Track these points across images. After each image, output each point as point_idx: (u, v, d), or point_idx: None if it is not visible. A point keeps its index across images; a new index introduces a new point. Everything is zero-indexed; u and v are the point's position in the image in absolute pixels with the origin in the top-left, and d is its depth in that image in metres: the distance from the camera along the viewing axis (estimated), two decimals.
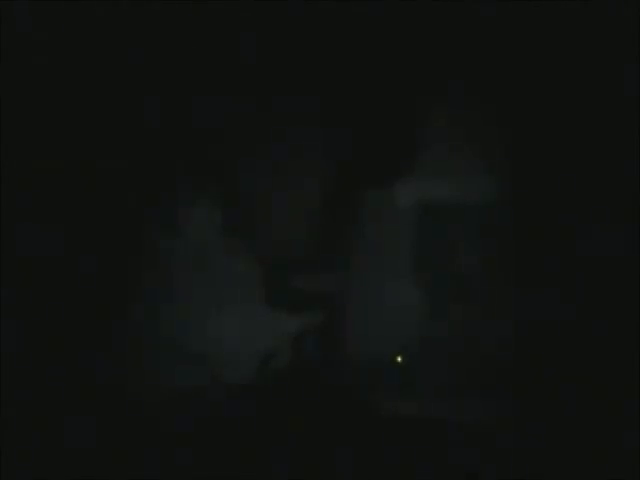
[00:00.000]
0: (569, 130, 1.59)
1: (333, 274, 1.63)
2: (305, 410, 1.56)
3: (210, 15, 1.60)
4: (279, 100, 1.63)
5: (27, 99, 1.57)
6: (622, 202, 1.55)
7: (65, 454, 1.51)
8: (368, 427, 1.55)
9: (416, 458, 1.52)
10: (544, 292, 1.57)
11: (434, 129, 1.64)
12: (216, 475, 1.52)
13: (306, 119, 1.63)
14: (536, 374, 1.55)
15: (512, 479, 1.49)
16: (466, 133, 1.63)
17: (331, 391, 1.58)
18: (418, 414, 1.56)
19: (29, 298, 1.55)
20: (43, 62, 1.58)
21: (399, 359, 1.59)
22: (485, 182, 1.62)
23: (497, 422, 1.54)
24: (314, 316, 1.61)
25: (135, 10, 1.58)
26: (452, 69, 1.63)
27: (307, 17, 1.60)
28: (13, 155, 1.56)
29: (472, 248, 1.61)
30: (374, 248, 1.63)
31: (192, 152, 1.63)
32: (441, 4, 1.60)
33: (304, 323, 1.61)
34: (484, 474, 1.50)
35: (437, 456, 1.52)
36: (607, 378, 1.51)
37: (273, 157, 1.62)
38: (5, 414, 1.50)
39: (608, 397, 1.50)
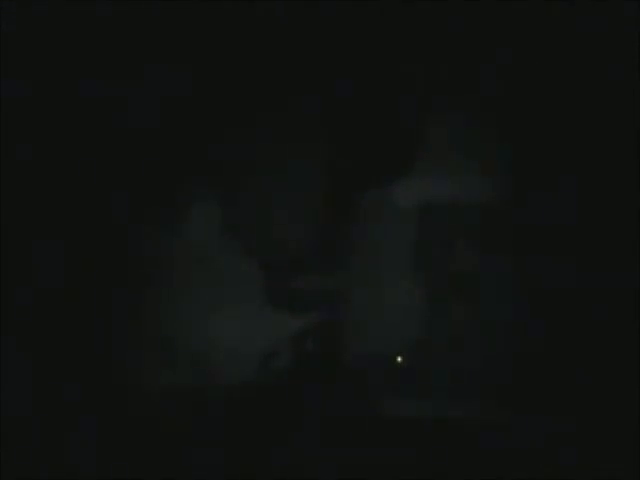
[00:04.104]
0: (569, 130, 1.59)
1: (333, 274, 1.63)
2: (305, 410, 1.56)
3: (210, 15, 1.60)
4: (279, 100, 1.63)
5: (26, 97, 1.57)
6: (622, 202, 1.55)
7: (65, 454, 1.51)
8: (368, 427, 1.55)
9: (416, 458, 1.52)
10: (544, 292, 1.57)
11: (434, 129, 1.64)
12: (216, 475, 1.51)
13: (306, 119, 1.63)
14: (536, 374, 1.55)
15: (512, 479, 1.49)
16: (466, 133, 1.63)
17: (331, 391, 1.58)
18: (418, 414, 1.56)
19: (29, 298, 1.55)
20: (42, 61, 1.58)
21: (399, 359, 1.59)
22: (485, 182, 1.62)
23: (497, 422, 1.54)
24: (314, 316, 1.61)
25: (137, 8, 1.58)
26: (452, 69, 1.63)
27: (307, 17, 1.60)
28: (12, 154, 1.57)
29: (472, 248, 1.61)
30: (374, 248, 1.63)
31: (192, 152, 1.63)
32: (441, 4, 1.60)
33: (304, 323, 1.61)
34: (484, 474, 1.50)
35: (437, 456, 1.52)
36: (607, 378, 1.51)
37: (273, 157, 1.62)
38: (5, 414, 1.50)
39: (608, 397, 1.50)
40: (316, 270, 1.63)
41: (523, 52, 1.59)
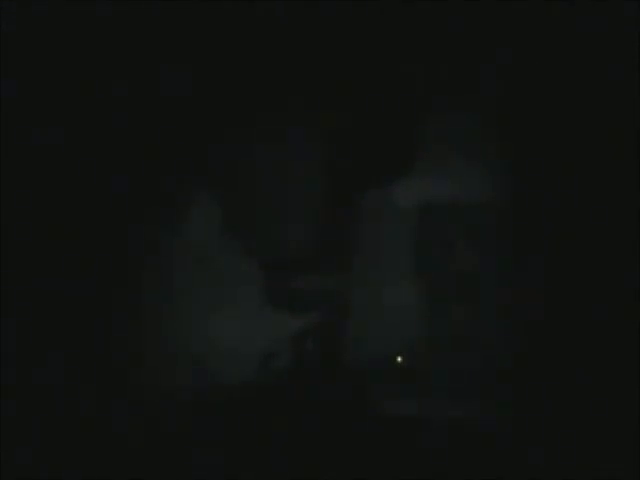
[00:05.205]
0: (569, 130, 1.59)
1: (333, 274, 1.63)
2: (305, 410, 1.56)
3: (210, 15, 1.60)
4: (279, 100, 1.63)
5: (26, 97, 1.57)
6: (622, 202, 1.55)
7: (65, 454, 1.51)
8: (368, 427, 1.55)
9: (416, 458, 1.52)
10: (544, 292, 1.57)
11: (434, 129, 1.64)
12: (216, 475, 1.52)
13: (306, 119, 1.63)
14: (536, 374, 1.55)
15: (512, 479, 1.49)
16: (466, 133, 1.63)
17: (331, 391, 1.58)
18: (418, 414, 1.56)
19: (29, 298, 1.55)
20: (42, 61, 1.58)
21: (399, 359, 1.59)
22: (485, 182, 1.62)
23: (497, 422, 1.54)
24: (314, 316, 1.61)
25: (137, 8, 1.58)
26: (452, 69, 1.63)
27: (307, 17, 1.60)
28: (12, 154, 1.57)
29: (472, 248, 1.61)
30: (374, 248, 1.63)
31: (192, 152, 1.63)
32: (441, 4, 1.60)
33: (304, 323, 1.61)
34: (484, 474, 1.50)
35: (437, 456, 1.52)
36: (607, 378, 1.51)
37: (273, 157, 1.62)
38: (5, 414, 1.50)
39: (608, 396, 1.50)
40: (316, 270, 1.63)
41: (523, 52, 1.59)
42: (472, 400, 1.56)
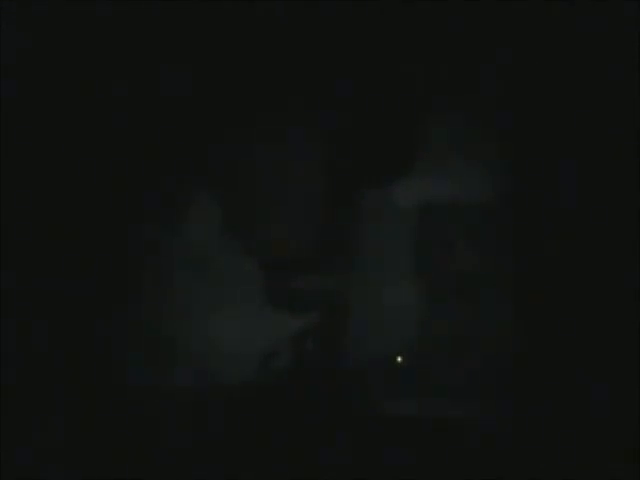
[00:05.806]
0: (569, 130, 1.59)
1: (333, 274, 1.63)
2: (305, 410, 1.56)
3: (210, 15, 1.60)
4: (279, 100, 1.63)
5: (26, 97, 1.57)
6: (622, 202, 1.55)
7: (65, 454, 1.51)
8: (368, 427, 1.55)
9: (416, 458, 1.52)
10: (544, 292, 1.57)
11: (434, 129, 1.64)
12: (216, 475, 1.52)
13: (306, 119, 1.63)
14: (536, 374, 1.55)
15: (512, 479, 1.49)
16: (466, 133, 1.63)
17: (331, 391, 1.58)
18: (418, 414, 1.56)
19: (29, 298, 1.55)
20: (42, 61, 1.58)
21: (399, 359, 1.59)
22: (485, 182, 1.62)
23: (497, 422, 1.54)
24: (314, 316, 1.61)
25: (137, 8, 1.58)
26: (452, 69, 1.63)
27: (307, 17, 1.60)
28: (12, 154, 1.57)
29: (472, 248, 1.62)
30: (374, 248, 1.63)
31: (192, 152, 1.63)
32: (441, 4, 1.60)
33: (304, 323, 1.61)
34: (484, 474, 1.50)
35: (437, 456, 1.52)
36: (607, 378, 1.51)
37: (273, 157, 1.62)
38: (5, 414, 1.50)
39: (608, 397, 1.50)
40: (316, 270, 1.63)
41: (523, 52, 1.59)
42: (472, 400, 1.56)
